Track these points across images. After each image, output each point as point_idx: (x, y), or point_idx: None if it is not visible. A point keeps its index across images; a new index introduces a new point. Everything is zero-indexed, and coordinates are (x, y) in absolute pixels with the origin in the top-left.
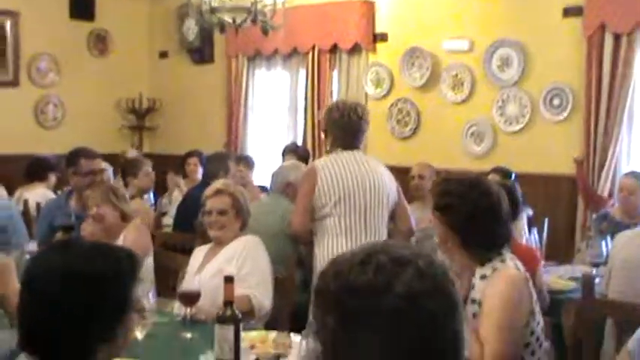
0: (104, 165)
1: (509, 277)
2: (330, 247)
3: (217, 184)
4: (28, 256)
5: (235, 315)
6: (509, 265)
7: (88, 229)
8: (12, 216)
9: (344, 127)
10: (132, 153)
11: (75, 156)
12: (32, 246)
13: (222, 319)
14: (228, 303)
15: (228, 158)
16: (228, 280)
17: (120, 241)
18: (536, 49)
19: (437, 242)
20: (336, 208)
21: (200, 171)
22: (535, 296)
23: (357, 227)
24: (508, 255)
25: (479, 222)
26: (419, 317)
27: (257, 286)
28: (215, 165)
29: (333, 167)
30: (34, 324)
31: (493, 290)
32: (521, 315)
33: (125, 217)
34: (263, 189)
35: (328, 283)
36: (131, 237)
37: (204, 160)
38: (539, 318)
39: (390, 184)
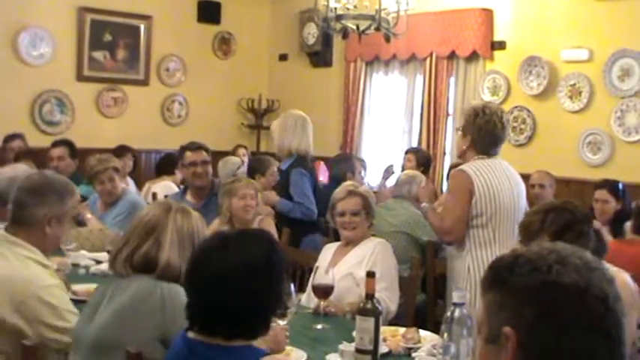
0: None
1: (621, 280)
2: (483, 256)
3: (347, 185)
4: None
5: (376, 308)
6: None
7: None
8: None
9: (489, 134)
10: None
11: (182, 149)
12: None
13: (363, 312)
14: (370, 296)
15: (353, 158)
16: (371, 275)
17: None
18: None
19: None
20: (491, 220)
21: None
22: None
23: (509, 238)
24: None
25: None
26: (609, 316)
27: (386, 290)
28: (342, 166)
29: (487, 177)
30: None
31: None
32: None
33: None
34: None
35: (524, 277)
36: None
37: (330, 161)
38: None
39: (524, 191)
